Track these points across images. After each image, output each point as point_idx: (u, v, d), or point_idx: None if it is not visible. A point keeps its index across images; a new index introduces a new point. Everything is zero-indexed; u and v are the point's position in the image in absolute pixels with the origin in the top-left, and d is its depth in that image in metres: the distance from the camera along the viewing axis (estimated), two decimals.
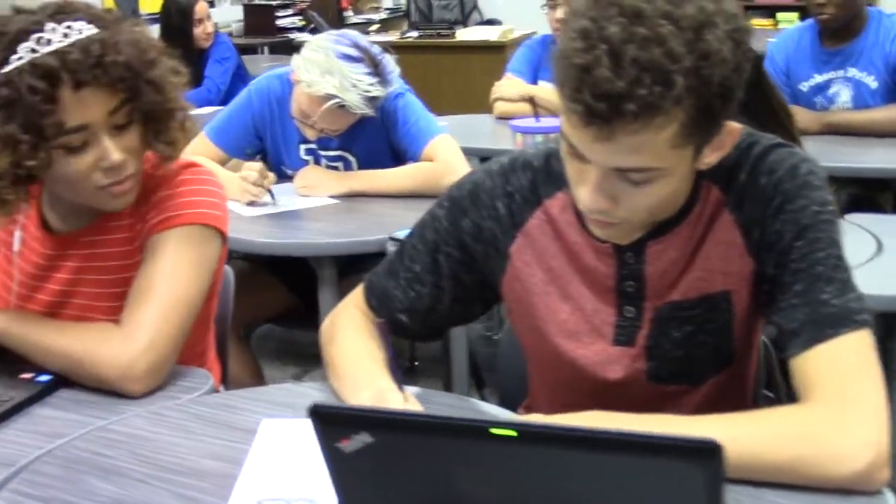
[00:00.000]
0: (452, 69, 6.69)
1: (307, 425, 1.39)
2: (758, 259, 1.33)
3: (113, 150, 1.53)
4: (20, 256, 1.71)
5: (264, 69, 5.83)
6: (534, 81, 3.89)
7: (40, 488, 1.27)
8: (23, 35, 1.47)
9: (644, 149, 1.18)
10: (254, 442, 1.36)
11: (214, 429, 1.40)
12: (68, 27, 1.49)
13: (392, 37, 7.30)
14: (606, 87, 1.13)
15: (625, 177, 1.23)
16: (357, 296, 1.62)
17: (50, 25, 1.48)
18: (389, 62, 2.68)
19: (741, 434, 1.15)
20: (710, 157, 1.27)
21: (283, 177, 2.89)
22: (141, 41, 1.57)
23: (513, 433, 0.84)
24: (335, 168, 2.85)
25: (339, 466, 0.93)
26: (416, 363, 3.69)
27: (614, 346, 1.42)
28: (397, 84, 2.73)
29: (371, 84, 2.60)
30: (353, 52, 2.61)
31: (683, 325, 1.38)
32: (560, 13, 3.62)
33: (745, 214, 1.33)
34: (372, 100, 2.62)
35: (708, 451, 0.80)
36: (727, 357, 1.40)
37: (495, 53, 6.80)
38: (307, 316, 2.90)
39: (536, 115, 2.59)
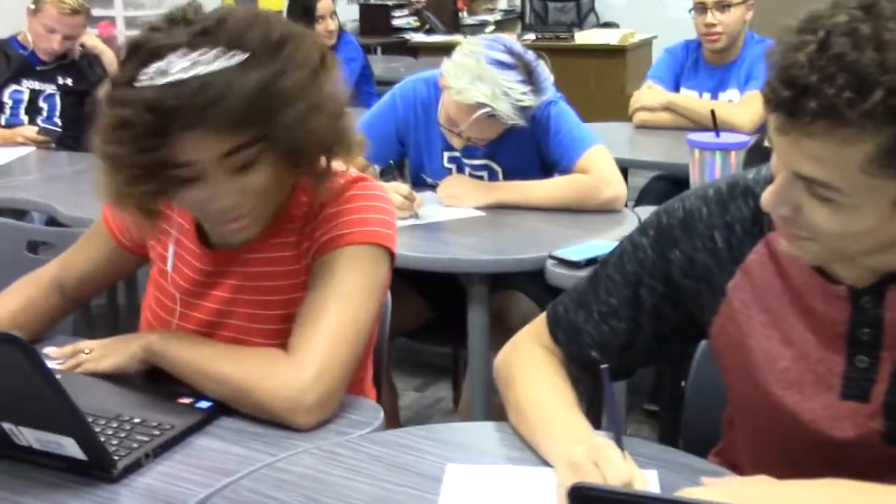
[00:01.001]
0: (570, 73, 6.47)
1: (496, 472, 1.29)
2: None
3: (220, 194, 1.41)
4: (175, 272, 1.61)
5: (380, 69, 5.80)
6: (675, 89, 3.71)
7: None
8: (155, 55, 1.35)
9: (825, 160, 1.05)
10: (442, 490, 1.23)
11: (395, 473, 1.28)
12: (201, 54, 1.34)
13: None
14: (795, 73, 1.02)
15: (809, 187, 1.09)
16: (537, 329, 1.48)
17: (181, 51, 1.34)
18: (544, 69, 2.51)
19: None
20: None
21: (423, 185, 2.76)
22: (282, 78, 1.37)
23: None
24: (479, 178, 2.71)
25: None
26: None
27: (843, 399, 1.25)
28: (551, 92, 2.56)
29: (524, 93, 2.44)
30: (507, 59, 2.45)
31: None
32: (710, 17, 3.44)
33: None
34: (524, 109, 2.46)
35: None
36: None
37: (615, 57, 6.62)
38: (438, 329, 2.78)
39: (716, 130, 2.40)
